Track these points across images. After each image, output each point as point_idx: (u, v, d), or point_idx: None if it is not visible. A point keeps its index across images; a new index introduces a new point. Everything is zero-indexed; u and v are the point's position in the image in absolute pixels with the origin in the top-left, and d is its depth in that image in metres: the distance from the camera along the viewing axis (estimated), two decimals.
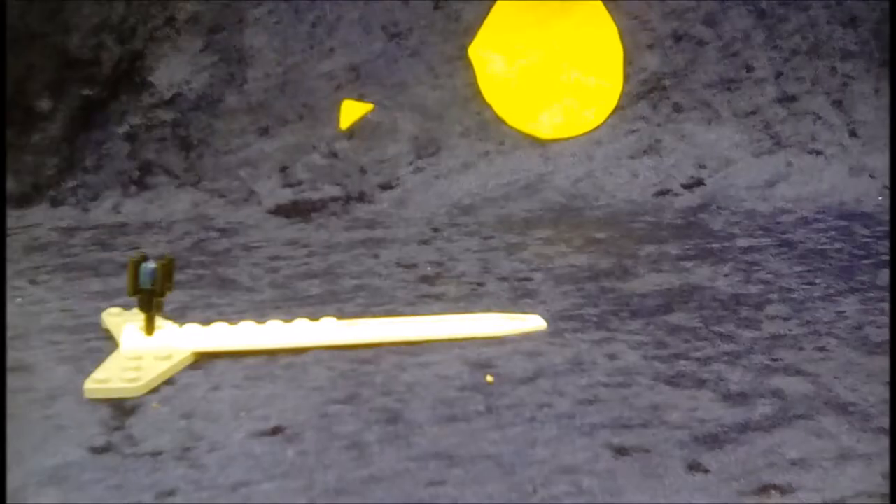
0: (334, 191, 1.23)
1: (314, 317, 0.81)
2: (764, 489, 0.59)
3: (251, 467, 0.60)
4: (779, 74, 1.31)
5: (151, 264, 0.75)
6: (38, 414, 0.67)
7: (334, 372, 0.74)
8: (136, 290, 0.75)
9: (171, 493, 0.58)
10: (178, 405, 0.68)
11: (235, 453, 0.62)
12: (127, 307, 0.85)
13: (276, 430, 0.65)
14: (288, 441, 0.63)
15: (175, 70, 1.28)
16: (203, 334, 0.77)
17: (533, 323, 0.83)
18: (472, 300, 0.90)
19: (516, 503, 0.57)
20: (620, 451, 0.63)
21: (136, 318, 0.80)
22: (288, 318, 0.80)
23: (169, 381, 0.72)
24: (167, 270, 0.76)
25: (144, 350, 0.75)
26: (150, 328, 0.76)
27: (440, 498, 0.57)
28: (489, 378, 0.73)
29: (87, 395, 0.69)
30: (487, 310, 0.86)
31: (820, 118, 1.29)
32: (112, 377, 0.70)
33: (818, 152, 1.27)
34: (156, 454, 0.62)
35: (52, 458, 0.61)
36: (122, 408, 0.68)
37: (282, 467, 0.60)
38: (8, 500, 0.57)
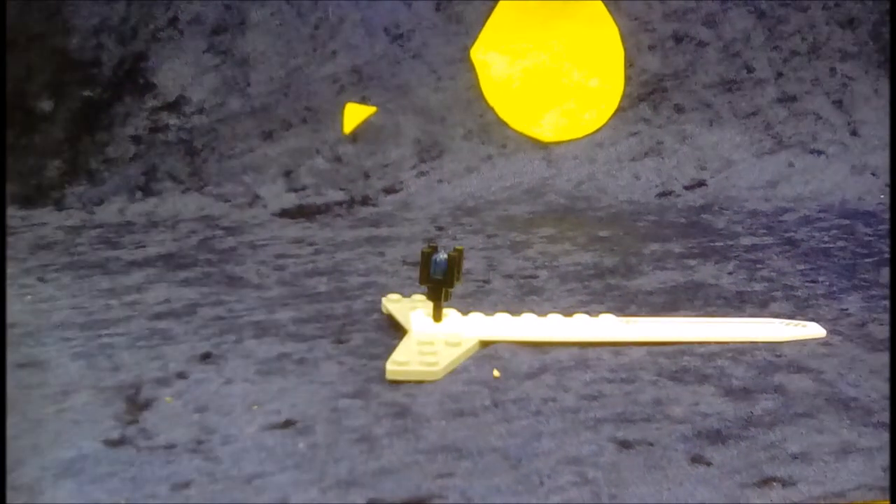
0: (338, 195, 1.23)
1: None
2: (765, 482, 0.60)
3: (264, 459, 0.61)
4: (779, 75, 1.32)
5: (442, 255, 0.78)
6: (53, 408, 0.68)
7: (344, 367, 0.75)
8: (427, 279, 0.78)
9: (186, 485, 0.58)
10: (190, 399, 0.69)
11: (248, 446, 0.63)
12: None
13: (287, 424, 0.66)
14: (299, 434, 0.64)
15: (178, 72, 1.29)
16: (488, 324, 0.80)
17: (812, 331, 0.81)
18: (478, 297, 0.91)
19: (523, 494, 0.58)
20: (624, 445, 0.64)
21: (416, 304, 0.84)
22: (566, 312, 0.83)
23: (181, 375, 0.73)
24: (457, 261, 0.78)
25: (434, 336, 0.78)
26: (438, 315, 0.79)
27: (449, 490, 0.58)
28: (496, 373, 0.74)
29: (389, 377, 0.72)
30: (496, 306, 0.87)
31: (820, 118, 1.30)
32: (411, 360, 0.73)
33: (819, 152, 1.28)
34: (170, 447, 0.63)
35: (68, 451, 0.62)
36: (135, 402, 0.69)
37: (294, 459, 0.61)
38: (24, 493, 0.58)
